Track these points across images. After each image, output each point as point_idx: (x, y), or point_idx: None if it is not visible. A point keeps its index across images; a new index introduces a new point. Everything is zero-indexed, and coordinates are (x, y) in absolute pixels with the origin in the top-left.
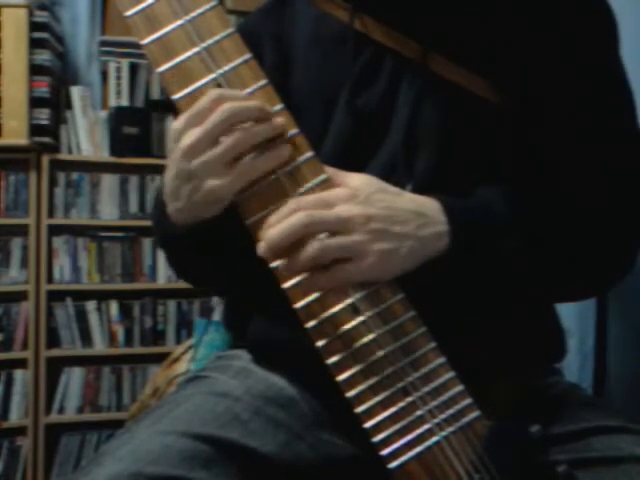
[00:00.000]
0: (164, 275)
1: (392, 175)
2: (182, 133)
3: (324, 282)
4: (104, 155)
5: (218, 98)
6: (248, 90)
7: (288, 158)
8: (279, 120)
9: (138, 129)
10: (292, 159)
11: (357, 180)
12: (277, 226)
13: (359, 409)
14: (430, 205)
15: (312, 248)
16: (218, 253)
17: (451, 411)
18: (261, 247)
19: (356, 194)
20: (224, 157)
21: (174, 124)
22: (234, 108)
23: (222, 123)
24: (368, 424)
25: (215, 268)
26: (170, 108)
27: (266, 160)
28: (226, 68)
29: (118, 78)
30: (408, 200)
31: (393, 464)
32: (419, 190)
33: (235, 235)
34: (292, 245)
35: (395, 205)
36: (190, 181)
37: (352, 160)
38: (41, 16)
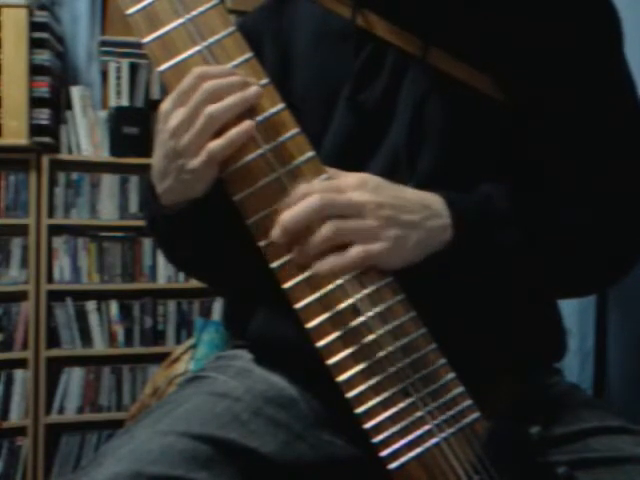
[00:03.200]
0: (164, 275)
1: (394, 173)
2: (169, 114)
3: (335, 265)
4: (104, 155)
5: (202, 75)
6: None
7: (251, 127)
8: (253, 88)
9: (138, 129)
10: (293, 158)
11: (360, 176)
12: (291, 210)
13: (359, 410)
14: (433, 199)
15: (327, 229)
16: (211, 239)
17: (451, 412)
18: (275, 231)
19: (365, 183)
20: (201, 135)
21: (162, 105)
22: (215, 85)
23: (205, 101)
24: (368, 425)
25: (207, 257)
26: None
27: (225, 137)
28: (227, 67)
29: (118, 78)
30: (413, 193)
31: (393, 465)
32: (421, 187)
33: (232, 229)
34: (305, 231)
35: (402, 195)
36: (176, 160)
37: (353, 158)
38: (41, 16)
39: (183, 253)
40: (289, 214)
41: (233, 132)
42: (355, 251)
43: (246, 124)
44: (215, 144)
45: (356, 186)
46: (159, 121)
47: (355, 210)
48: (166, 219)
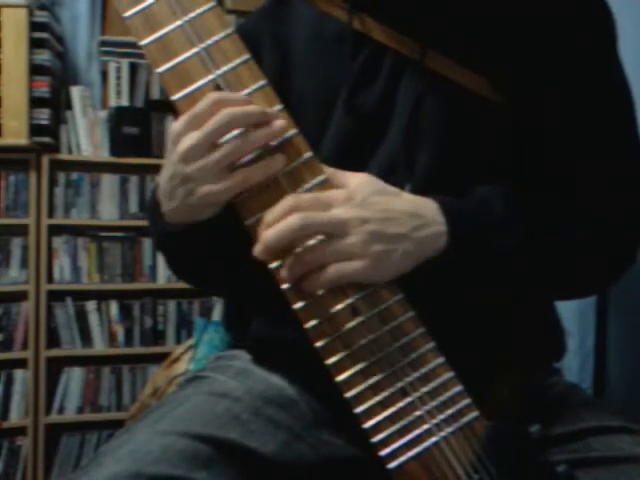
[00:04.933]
0: (164, 275)
1: (392, 175)
2: (181, 136)
3: (320, 284)
4: (104, 155)
5: (218, 101)
6: (247, 91)
7: (285, 164)
8: (278, 124)
9: (138, 129)
10: (291, 160)
11: (356, 181)
12: (273, 228)
13: (358, 409)
14: (427, 206)
15: (308, 254)
16: (215, 252)
17: (450, 411)
18: (257, 249)
19: (352, 196)
20: (220, 164)
21: (174, 126)
22: (234, 113)
23: (221, 128)
24: (367, 424)
25: (212, 267)
26: (170, 108)
27: (262, 169)
28: (225, 69)
29: (118, 78)
30: (405, 201)
31: (392, 464)
32: (419, 189)
33: (233, 235)
34: (288, 245)
35: (391, 207)
36: (185, 184)
37: (351, 160)
38: (41, 16)
39: (187, 265)
40: (271, 233)
41: (269, 163)
42: (332, 271)
43: (281, 156)
44: (251, 171)
45: (343, 200)
46: (169, 141)
47: (337, 228)
48: (171, 237)
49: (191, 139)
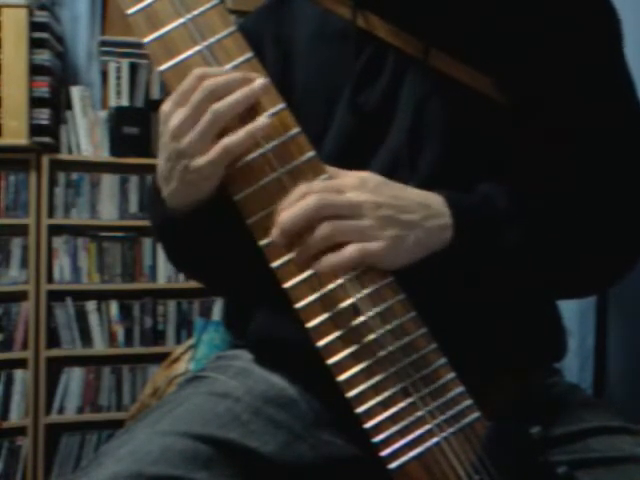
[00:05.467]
0: (164, 275)
1: (394, 173)
2: (170, 114)
3: (332, 263)
4: (104, 155)
5: (201, 76)
6: None
7: (268, 125)
8: (256, 84)
9: (138, 129)
10: (293, 159)
11: (360, 175)
12: (288, 210)
13: (359, 409)
14: (434, 198)
15: (323, 228)
16: (214, 247)
17: (451, 412)
18: (274, 232)
19: (365, 183)
20: (206, 132)
21: (163, 107)
22: (214, 83)
23: (204, 100)
24: (368, 424)
25: (211, 263)
26: None
27: (243, 131)
28: (228, 67)
29: (118, 78)
30: (413, 192)
31: (393, 465)
32: (422, 188)
33: (234, 233)
34: (303, 231)
35: (402, 195)
36: (180, 161)
37: (354, 158)
38: (41, 16)
39: (187, 255)
40: (287, 215)
41: (251, 126)
42: (351, 249)
43: (263, 119)
44: (232, 139)
45: (356, 186)
46: (160, 123)
47: (353, 210)
48: (172, 223)
49: (178, 115)
